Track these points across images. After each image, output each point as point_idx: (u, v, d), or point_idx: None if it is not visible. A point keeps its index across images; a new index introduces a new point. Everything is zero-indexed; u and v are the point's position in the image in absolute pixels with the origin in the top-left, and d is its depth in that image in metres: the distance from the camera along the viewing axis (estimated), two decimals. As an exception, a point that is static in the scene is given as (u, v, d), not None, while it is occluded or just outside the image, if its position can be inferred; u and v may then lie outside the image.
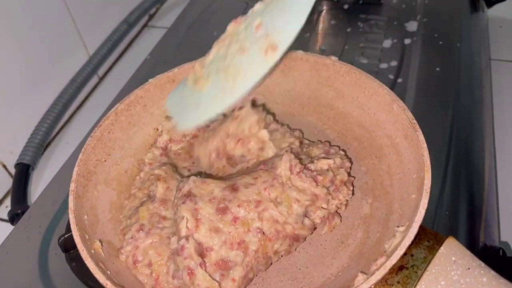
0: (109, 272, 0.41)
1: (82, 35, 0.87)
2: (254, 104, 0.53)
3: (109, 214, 0.48)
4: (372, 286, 0.38)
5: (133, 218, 0.47)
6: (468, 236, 0.52)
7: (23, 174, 0.72)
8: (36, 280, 0.51)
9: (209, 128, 0.54)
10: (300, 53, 0.55)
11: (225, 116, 0.54)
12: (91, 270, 0.40)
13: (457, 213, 0.54)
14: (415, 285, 0.38)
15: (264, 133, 0.50)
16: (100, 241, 0.44)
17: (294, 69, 0.56)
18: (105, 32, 0.92)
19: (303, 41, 0.80)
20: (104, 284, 0.39)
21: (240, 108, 0.51)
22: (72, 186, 0.46)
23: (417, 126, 0.45)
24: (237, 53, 0.40)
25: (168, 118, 0.56)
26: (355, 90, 0.53)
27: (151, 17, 1.10)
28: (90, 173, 0.48)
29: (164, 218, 0.46)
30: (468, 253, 0.39)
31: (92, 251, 0.42)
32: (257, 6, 0.42)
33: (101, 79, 0.94)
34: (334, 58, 0.54)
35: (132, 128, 0.54)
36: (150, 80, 0.55)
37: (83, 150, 0.49)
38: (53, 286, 0.50)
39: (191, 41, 0.86)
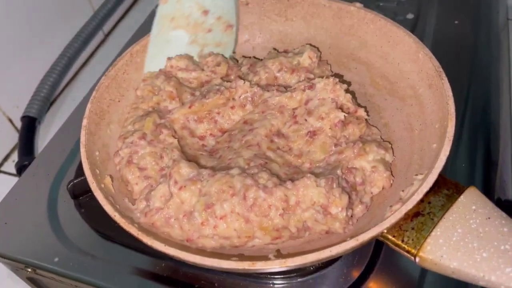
0: (118, 206, 0.40)
1: (87, -11, 0.85)
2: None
3: (121, 154, 0.48)
4: (385, 231, 0.37)
5: (136, 125, 0.46)
6: (484, 190, 0.50)
7: (29, 126, 0.70)
8: (46, 227, 0.49)
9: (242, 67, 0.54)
10: (323, -1, 0.53)
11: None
12: (100, 201, 0.39)
13: (473, 167, 0.52)
14: (430, 232, 0.36)
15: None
16: (111, 177, 0.43)
17: (316, 16, 0.54)
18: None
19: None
20: (112, 216, 0.38)
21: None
22: (85, 122, 0.45)
23: (443, 75, 0.43)
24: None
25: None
26: (379, 39, 0.50)
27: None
28: (103, 111, 0.48)
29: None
30: (489, 203, 0.37)
31: (102, 185, 0.42)
32: None
33: (107, 36, 0.92)
34: (359, 4, 0.51)
35: (147, 71, 0.53)
36: (168, 24, 0.54)
37: (96, 88, 0.48)
38: (63, 233, 0.49)
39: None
